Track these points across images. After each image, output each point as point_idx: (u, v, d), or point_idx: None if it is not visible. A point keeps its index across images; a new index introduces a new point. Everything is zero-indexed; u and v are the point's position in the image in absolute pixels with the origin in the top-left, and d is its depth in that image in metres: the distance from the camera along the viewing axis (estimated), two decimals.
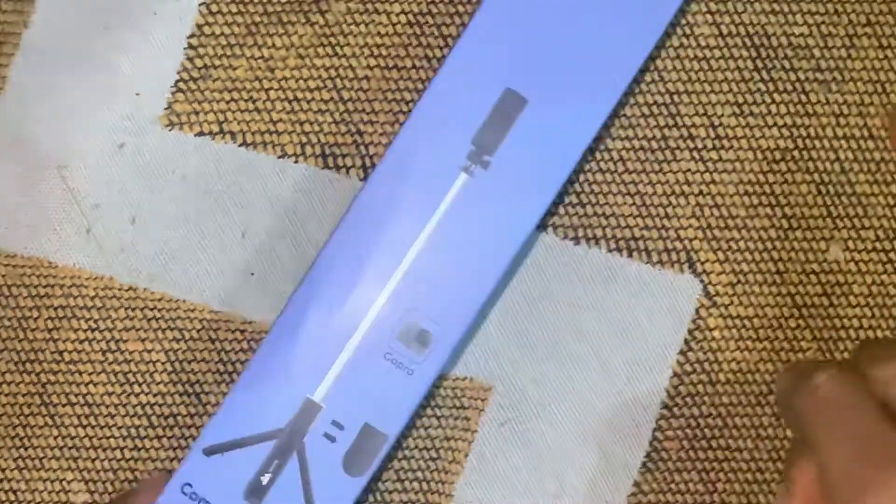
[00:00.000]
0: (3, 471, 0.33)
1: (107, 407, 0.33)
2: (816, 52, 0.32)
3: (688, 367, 0.33)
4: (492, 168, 0.28)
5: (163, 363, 0.33)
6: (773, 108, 0.33)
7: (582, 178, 0.33)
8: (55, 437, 0.33)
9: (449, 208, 0.28)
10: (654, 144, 0.32)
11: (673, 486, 0.33)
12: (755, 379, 0.33)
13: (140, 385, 0.33)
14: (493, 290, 0.28)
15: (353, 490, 0.27)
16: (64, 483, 0.33)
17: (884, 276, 0.33)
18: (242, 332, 0.33)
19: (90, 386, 0.33)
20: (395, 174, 0.28)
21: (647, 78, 0.32)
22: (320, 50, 0.32)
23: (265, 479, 0.28)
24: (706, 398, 0.33)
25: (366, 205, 0.28)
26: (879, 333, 0.33)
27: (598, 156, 0.33)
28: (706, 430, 0.33)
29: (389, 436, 0.27)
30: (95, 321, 0.33)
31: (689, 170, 0.32)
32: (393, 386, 0.28)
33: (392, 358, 0.28)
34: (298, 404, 0.28)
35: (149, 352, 0.33)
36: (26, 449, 0.33)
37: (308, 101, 0.33)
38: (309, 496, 0.27)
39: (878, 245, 0.33)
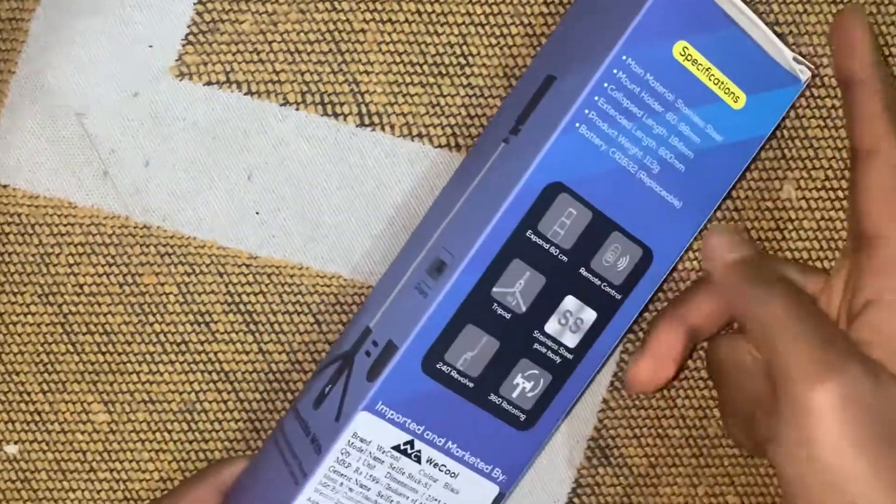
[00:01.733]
0: (29, 394, 0.36)
1: (124, 335, 0.36)
2: (775, 7, 0.36)
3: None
4: (521, 133, 0.32)
5: (175, 295, 0.36)
6: None
7: None
8: (76, 363, 0.36)
9: (486, 172, 0.32)
10: None
11: (637, 402, 0.36)
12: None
13: (154, 315, 0.36)
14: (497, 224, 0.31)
15: (367, 392, 0.31)
16: (85, 405, 0.37)
17: (832, 213, 0.36)
18: (248, 266, 0.36)
19: (108, 316, 0.36)
20: (472, 151, 0.35)
21: None
22: (320, 5, 0.35)
23: (327, 390, 0.32)
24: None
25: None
26: (826, 264, 0.36)
27: None
28: None
29: (402, 349, 0.31)
30: (113, 257, 0.36)
31: None
32: (413, 307, 0.31)
33: (419, 287, 0.32)
34: (360, 331, 0.33)
35: (162, 285, 0.36)
36: (50, 374, 0.36)
37: (308, 53, 0.35)
38: (343, 402, 0.31)
39: (827, 184, 0.36)
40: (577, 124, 0.31)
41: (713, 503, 0.37)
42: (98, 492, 0.37)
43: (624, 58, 0.31)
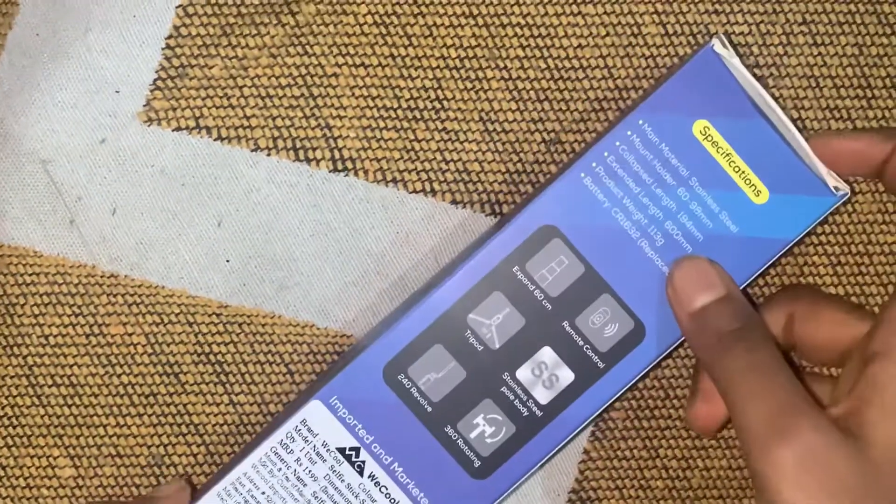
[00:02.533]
0: None
1: (90, 387, 0.35)
2: (755, 49, 0.35)
3: None
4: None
5: (143, 346, 0.35)
6: None
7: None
8: (42, 416, 0.35)
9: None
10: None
11: (619, 452, 0.36)
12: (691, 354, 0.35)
13: (122, 366, 0.35)
14: None
15: (324, 383, 0.32)
16: (51, 459, 0.35)
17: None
18: (218, 315, 0.35)
19: (75, 368, 0.35)
20: None
21: (598, 74, 0.35)
22: (291, 49, 0.35)
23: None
24: (649, 371, 0.35)
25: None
26: None
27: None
28: (650, 401, 0.35)
29: (366, 349, 0.31)
30: (79, 307, 0.35)
31: None
32: (391, 319, 0.33)
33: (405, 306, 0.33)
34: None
35: (130, 335, 0.35)
36: (14, 427, 0.35)
37: (280, 98, 0.35)
38: (304, 393, 0.34)
39: None
40: (583, 174, 0.31)
41: None
42: None
43: (640, 122, 0.31)
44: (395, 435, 0.31)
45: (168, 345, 0.35)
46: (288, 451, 0.31)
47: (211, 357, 0.35)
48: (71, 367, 0.35)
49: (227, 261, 0.35)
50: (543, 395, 0.31)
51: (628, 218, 0.31)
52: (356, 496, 0.31)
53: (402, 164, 0.35)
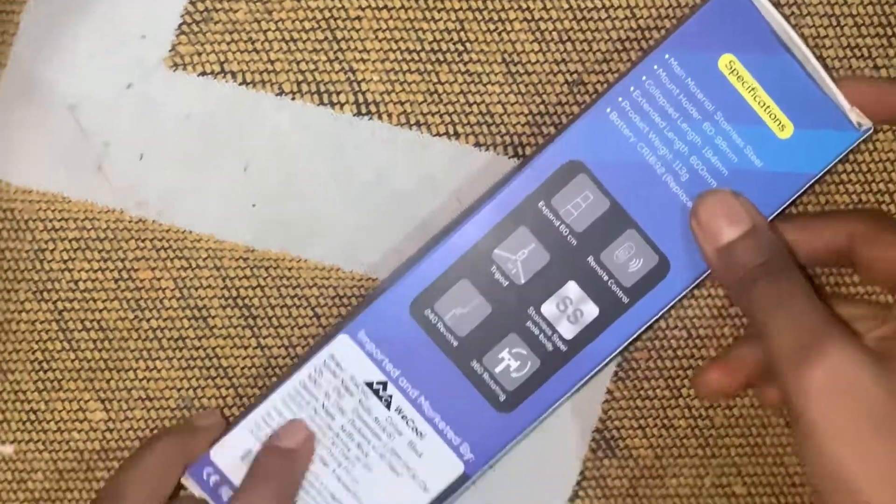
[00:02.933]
0: (24, 393, 0.36)
1: (120, 331, 0.36)
2: None
3: None
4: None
5: (171, 290, 0.36)
6: None
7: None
8: (72, 361, 0.36)
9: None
10: None
11: (642, 392, 0.36)
12: (717, 293, 0.36)
13: (151, 311, 0.36)
14: None
15: (352, 318, 0.32)
16: (81, 403, 0.36)
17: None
18: (245, 259, 0.36)
19: (104, 312, 0.36)
20: None
21: (620, 14, 0.35)
22: None
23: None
24: (672, 311, 0.36)
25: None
26: None
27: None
28: (672, 341, 0.36)
29: (393, 285, 0.32)
30: (108, 252, 0.35)
31: None
32: (418, 255, 0.33)
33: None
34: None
35: (158, 279, 0.36)
36: (45, 372, 0.36)
37: (304, 41, 0.35)
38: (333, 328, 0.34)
39: None
40: (608, 110, 0.31)
41: (720, 493, 0.36)
42: (96, 491, 0.36)
43: (667, 56, 0.31)
44: (422, 369, 0.32)
45: (196, 289, 0.36)
46: (316, 384, 0.32)
47: (238, 301, 0.36)
48: (100, 311, 0.36)
49: (254, 205, 0.35)
50: (568, 330, 0.32)
51: (653, 153, 0.31)
52: (383, 429, 0.32)
53: (425, 108, 0.35)
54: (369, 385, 0.32)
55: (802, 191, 0.31)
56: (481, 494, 0.36)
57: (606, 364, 0.32)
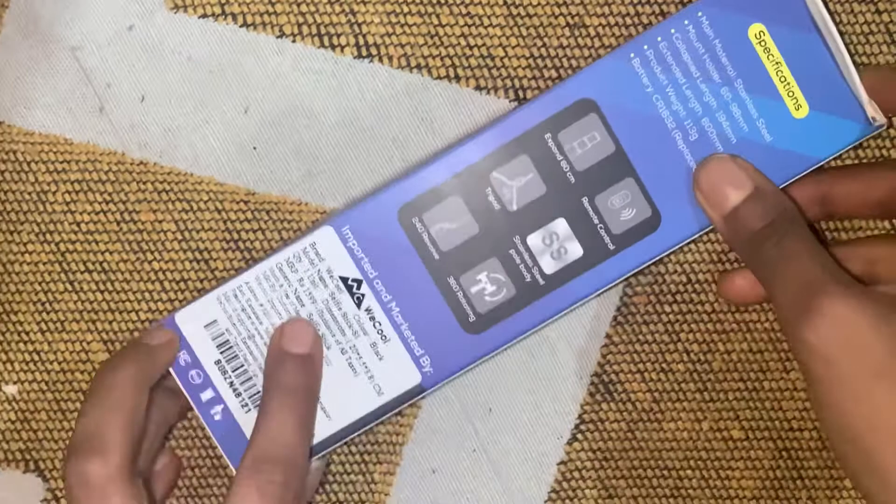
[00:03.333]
0: (28, 334, 0.36)
1: (122, 273, 0.36)
2: None
3: None
4: None
5: (173, 232, 0.36)
6: None
7: None
8: (75, 302, 0.36)
9: None
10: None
11: (641, 337, 0.36)
12: (716, 237, 0.36)
13: (153, 252, 0.36)
14: None
15: (340, 213, 0.32)
16: (84, 344, 0.36)
17: None
18: (246, 202, 0.36)
19: (106, 254, 0.36)
20: None
21: None
22: None
23: None
24: (672, 255, 0.36)
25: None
26: None
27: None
28: (671, 286, 0.36)
29: (386, 188, 0.32)
30: (110, 194, 0.36)
31: None
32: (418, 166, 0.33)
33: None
34: None
35: (160, 222, 0.36)
36: (48, 313, 0.36)
37: None
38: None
39: None
40: (632, 55, 0.31)
41: (717, 437, 0.36)
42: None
43: (699, 14, 0.31)
44: (399, 275, 0.32)
45: (198, 231, 0.36)
46: (293, 269, 0.32)
47: (240, 244, 0.36)
48: (103, 253, 0.36)
49: (255, 148, 0.35)
50: (549, 265, 0.32)
51: (667, 107, 0.31)
52: (350, 326, 0.32)
53: (426, 50, 0.35)
54: (344, 280, 0.32)
55: (803, 174, 0.31)
56: (478, 436, 0.36)
57: (578, 306, 0.33)
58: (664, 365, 0.36)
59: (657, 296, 0.36)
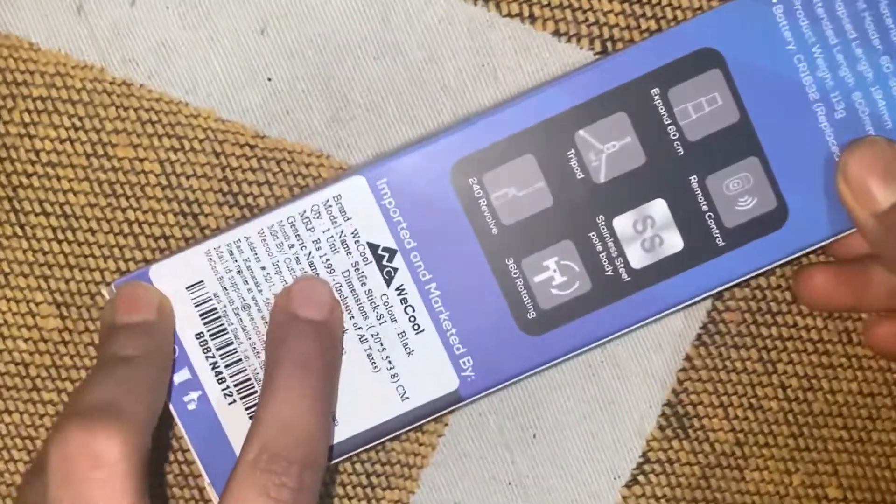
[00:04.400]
0: None
1: (87, 220, 0.29)
2: None
3: None
4: None
5: (156, 175, 0.28)
6: None
7: None
8: (24, 251, 0.29)
9: None
10: None
11: (728, 363, 0.29)
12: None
13: (128, 198, 0.28)
14: None
15: (377, 161, 0.26)
16: (32, 305, 0.29)
17: None
18: (252, 147, 0.28)
19: (69, 195, 0.28)
20: None
21: None
22: None
23: None
24: (777, 269, 0.29)
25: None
26: None
27: None
28: (772, 304, 0.29)
29: (439, 138, 0.25)
30: (80, 118, 0.28)
31: None
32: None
33: None
34: None
35: (141, 160, 0.28)
36: None
37: None
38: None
39: None
40: (774, 0, 0.24)
41: (810, 495, 0.29)
42: (41, 416, 0.29)
43: None
44: (444, 250, 0.25)
45: (188, 177, 0.28)
46: (308, 226, 0.25)
47: (239, 199, 0.28)
48: (65, 192, 0.28)
49: (269, 79, 0.28)
50: (638, 258, 0.25)
51: (811, 72, 0.24)
52: (374, 307, 0.26)
53: None
54: (373, 248, 0.25)
55: None
56: (516, 467, 0.29)
57: (677, 313, 0.26)
58: (753, 400, 0.29)
59: (753, 314, 0.29)
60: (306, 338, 0.25)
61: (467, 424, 0.29)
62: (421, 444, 0.29)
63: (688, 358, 0.29)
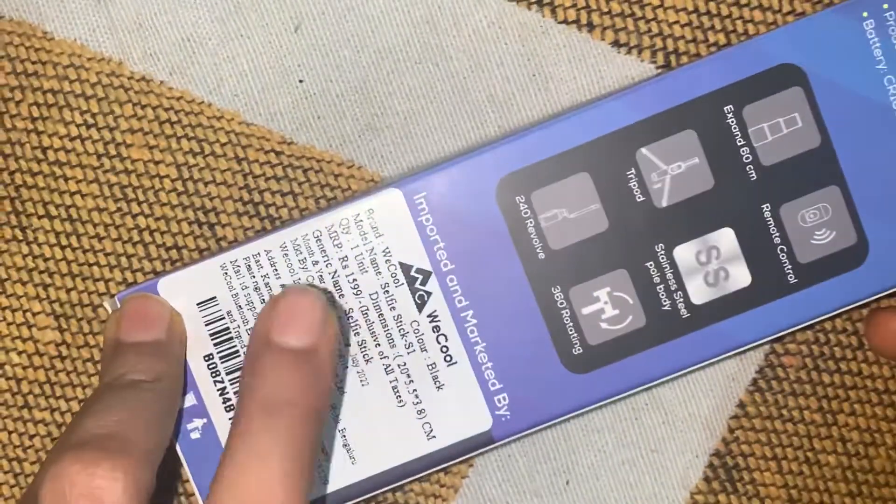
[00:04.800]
0: None
1: (94, 226, 0.26)
2: None
3: None
4: None
5: (172, 180, 0.26)
6: None
7: None
8: (24, 256, 0.26)
9: None
10: None
11: (784, 411, 0.27)
12: None
13: (140, 204, 0.26)
14: None
15: (415, 175, 0.24)
16: (29, 315, 0.26)
17: None
18: (278, 154, 0.26)
19: (76, 197, 0.26)
20: None
21: None
22: None
23: None
24: (853, 311, 0.26)
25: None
26: None
27: None
28: (837, 349, 0.26)
29: (484, 151, 0.23)
30: (93, 115, 0.26)
31: None
32: None
33: None
34: None
35: (156, 163, 0.26)
36: None
37: None
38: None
39: None
40: (865, 13, 0.22)
41: None
42: (31, 436, 0.27)
43: None
44: (484, 274, 0.23)
45: (206, 184, 0.26)
46: (335, 242, 0.23)
47: (261, 209, 0.26)
48: (72, 194, 0.26)
49: (301, 81, 0.26)
50: (700, 292, 0.23)
51: None
52: (403, 335, 0.23)
53: None
54: (406, 269, 0.23)
55: None
56: None
57: (733, 356, 0.24)
58: (810, 454, 0.27)
59: (815, 359, 0.26)
60: (279, 374, 0.21)
61: (494, 466, 0.27)
62: (442, 486, 0.27)
63: (741, 404, 0.26)
